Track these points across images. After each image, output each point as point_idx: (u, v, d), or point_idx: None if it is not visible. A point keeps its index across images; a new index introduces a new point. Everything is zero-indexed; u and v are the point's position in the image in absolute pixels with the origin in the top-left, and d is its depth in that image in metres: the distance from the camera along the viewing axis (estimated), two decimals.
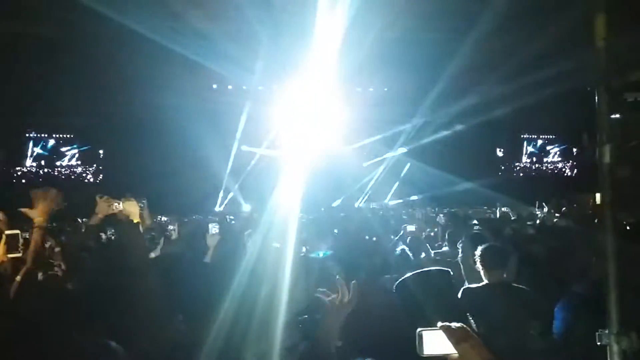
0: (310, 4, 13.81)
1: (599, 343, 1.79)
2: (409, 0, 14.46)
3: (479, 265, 3.44)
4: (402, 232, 6.82)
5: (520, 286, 3.69)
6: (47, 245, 3.98)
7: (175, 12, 15.42)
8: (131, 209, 3.33)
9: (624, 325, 1.77)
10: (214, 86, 20.37)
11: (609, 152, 1.84)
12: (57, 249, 4.43)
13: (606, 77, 1.87)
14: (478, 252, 3.47)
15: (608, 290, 1.80)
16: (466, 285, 3.85)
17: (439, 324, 1.62)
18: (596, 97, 1.87)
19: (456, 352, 1.52)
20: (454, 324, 1.60)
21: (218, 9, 14.99)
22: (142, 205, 3.42)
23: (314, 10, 13.67)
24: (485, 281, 3.41)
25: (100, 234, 5.37)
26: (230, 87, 19.36)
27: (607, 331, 1.78)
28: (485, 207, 14.92)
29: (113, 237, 4.90)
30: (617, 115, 1.70)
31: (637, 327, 1.75)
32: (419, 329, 1.64)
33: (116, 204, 3.44)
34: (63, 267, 4.01)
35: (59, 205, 3.15)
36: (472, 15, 14.05)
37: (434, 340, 1.61)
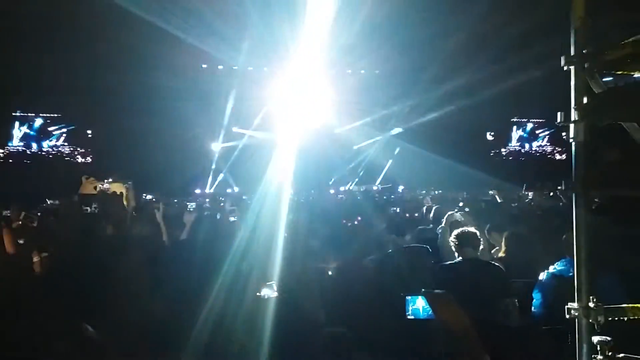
0: None
1: (567, 316, 1.83)
2: None
3: (453, 246, 3.54)
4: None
5: (493, 263, 3.79)
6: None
7: None
8: (118, 190, 3.33)
9: (593, 298, 1.81)
10: (204, 66, 20.17)
11: (582, 130, 1.87)
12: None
13: (582, 57, 1.89)
14: (453, 235, 3.59)
15: (578, 264, 1.84)
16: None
17: (422, 290, 1.68)
18: (572, 76, 1.89)
19: (437, 317, 1.58)
20: (436, 291, 1.65)
21: None
22: (127, 187, 3.43)
23: None
24: (459, 258, 3.52)
25: (85, 207, 5.36)
26: (220, 67, 19.17)
27: (576, 305, 1.82)
28: (475, 190, 15.02)
29: (96, 210, 4.89)
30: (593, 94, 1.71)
31: (604, 300, 1.80)
32: (403, 294, 1.70)
33: (101, 185, 3.43)
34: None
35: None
36: None
37: (418, 305, 1.67)
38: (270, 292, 1.67)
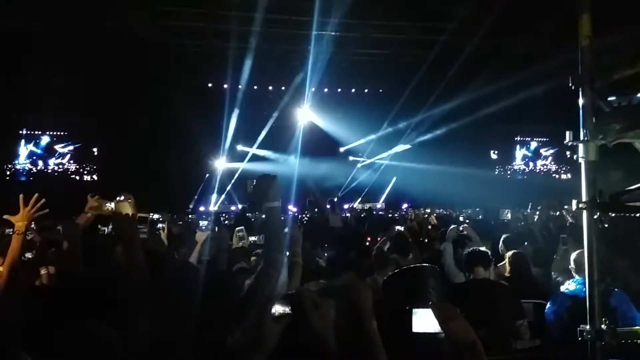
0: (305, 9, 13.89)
1: (580, 339, 1.79)
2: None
3: (463, 265, 3.51)
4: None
5: (503, 283, 3.75)
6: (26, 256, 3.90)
7: (170, 11, 15.46)
8: (124, 209, 3.30)
9: (605, 320, 1.78)
10: (209, 85, 20.39)
11: (592, 150, 1.86)
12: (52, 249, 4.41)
13: (590, 76, 1.89)
14: (464, 253, 3.55)
15: (590, 284, 1.82)
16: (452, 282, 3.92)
17: (430, 303, 1.65)
18: (580, 96, 1.89)
19: (443, 330, 1.55)
20: (443, 304, 1.63)
21: (215, 9, 15.00)
22: (130, 202, 3.40)
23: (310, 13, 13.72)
24: (469, 277, 3.48)
25: (102, 227, 5.34)
26: (225, 86, 19.32)
27: (588, 327, 1.79)
28: (478, 209, 14.96)
29: (113, 232, 4.87)
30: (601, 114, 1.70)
31: (615, 321, 1.76)
32: (409, 307, 1.67)
33: (108, 204, 3.40)
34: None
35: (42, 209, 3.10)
36: (466, 17, 14.17)
37: (424, 318, 1.64)
38: (281, 309, 1.63)
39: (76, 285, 2.87)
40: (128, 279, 2.51)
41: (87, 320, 1.92)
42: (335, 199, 12.55)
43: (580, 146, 1.88)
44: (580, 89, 1.91)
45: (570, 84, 1.89)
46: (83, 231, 3.38)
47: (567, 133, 1.91)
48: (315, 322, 1.62)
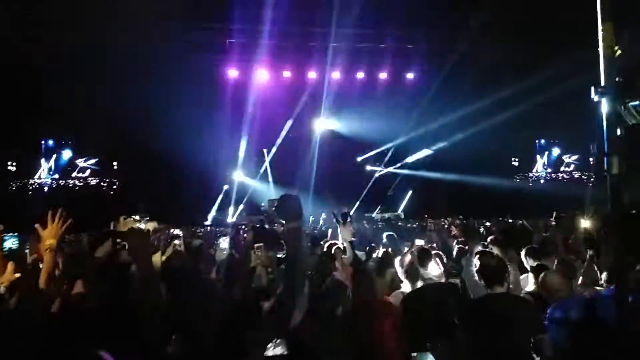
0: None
1: None
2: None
3: (480, 280, 3.42)
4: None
5: (523, 297, 3.65)
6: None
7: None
8: (150, 227, 3.31)
9: None
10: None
11: (617, 163, 1.78)
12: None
13: (613, 87, 1.82)
14: (478, 267, 3.46)
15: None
16: (471, 296, 3.83)
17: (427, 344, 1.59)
18: (602, 107, 1.82)
19: None
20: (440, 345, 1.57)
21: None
22: (145, 220, 3.41)
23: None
24: (487, 292, 3.40)
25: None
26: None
27: None
28: (501, 218, 14.73)
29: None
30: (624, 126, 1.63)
31: None
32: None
33: (138, 224, 3.42)
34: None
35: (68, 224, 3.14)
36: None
37: None
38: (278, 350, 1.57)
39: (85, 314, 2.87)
40: (144, 296, 2.49)
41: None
42: (346, 211, 12.36)
43: (605, 159, 1.81)
44: (602, 100, 1.83)
45: (592, 95, 1.81)
46: (102, 264, 3.36)
47: (591, 145, 1.84)
48: None
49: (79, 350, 1.85)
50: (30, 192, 19.81)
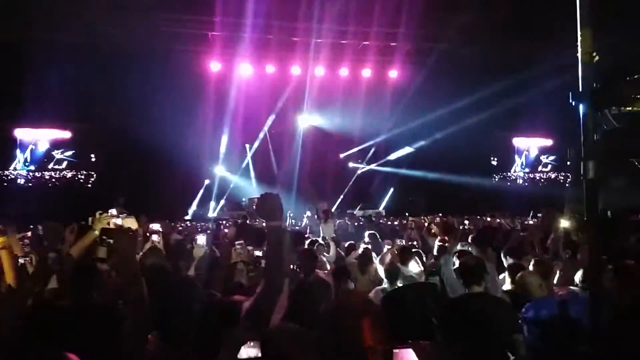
0: None
1: None
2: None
3: (459, 278, 3.46)
4: None
5: (499, 297, 3.70)
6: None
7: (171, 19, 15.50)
8: (131, 225, 3.25)
9: None
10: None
11: (592, 168, 1.81)
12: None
13: (591, 93, 1.84)
14: (457, 266, 3.50)
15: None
16: (449, 296, 3.88)
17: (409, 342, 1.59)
18: (580, 112, 1.84)
19: None
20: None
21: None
22: (123, 216, 3.35)
23: None
24: (465, 291, 3.44)
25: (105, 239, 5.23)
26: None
27: None
28: (479, 217, 14.88)
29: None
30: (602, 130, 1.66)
31: None
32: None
33: (115, 220, 3.34)
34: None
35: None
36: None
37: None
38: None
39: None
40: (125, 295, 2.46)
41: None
42: (326, 208, 12.39)
43: (581, 164, 1.83)
44: (580, 105, 1.86)
45: (570, 100, 1.84)
46: (76, 262, 3.30)
47: (568, 150, 1.87)
48: None
49: (47, 351, 1.81)
50: (5, 184, 19.34)
